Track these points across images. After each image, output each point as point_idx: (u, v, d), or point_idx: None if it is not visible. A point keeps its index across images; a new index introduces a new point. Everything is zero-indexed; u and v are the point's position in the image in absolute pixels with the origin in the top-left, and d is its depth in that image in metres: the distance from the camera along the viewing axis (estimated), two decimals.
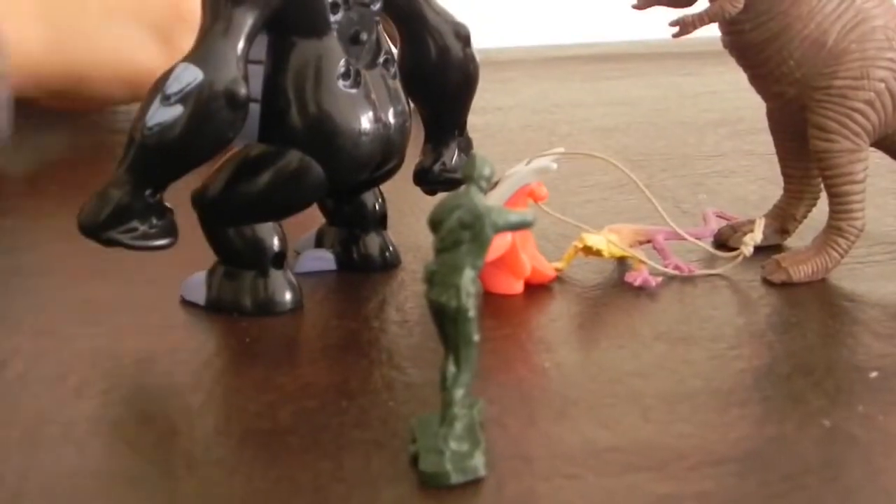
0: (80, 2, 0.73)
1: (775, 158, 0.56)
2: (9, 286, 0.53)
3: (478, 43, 0.53)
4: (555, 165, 0.50)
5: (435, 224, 0.37)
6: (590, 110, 0.83)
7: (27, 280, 0.54)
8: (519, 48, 1.04)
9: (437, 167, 0.55)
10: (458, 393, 0.37)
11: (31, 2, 0.72)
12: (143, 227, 0.47)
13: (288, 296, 0.49)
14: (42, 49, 0.71)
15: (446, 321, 0.36)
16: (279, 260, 0.49)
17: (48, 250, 0.57)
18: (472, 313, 0.36)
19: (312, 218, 0.53)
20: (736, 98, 0.81)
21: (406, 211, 0.59)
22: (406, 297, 0.51)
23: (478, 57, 0.53)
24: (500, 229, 0.36)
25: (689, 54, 0.96)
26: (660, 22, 0.54)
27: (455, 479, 0.36)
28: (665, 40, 0.54)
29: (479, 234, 0.36)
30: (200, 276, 0.50)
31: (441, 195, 0.53)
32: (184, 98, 0.45)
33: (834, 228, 0.52)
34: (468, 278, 0.36)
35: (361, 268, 0.53)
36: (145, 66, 0.70)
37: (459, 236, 0.36)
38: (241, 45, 0.46)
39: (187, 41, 0.47)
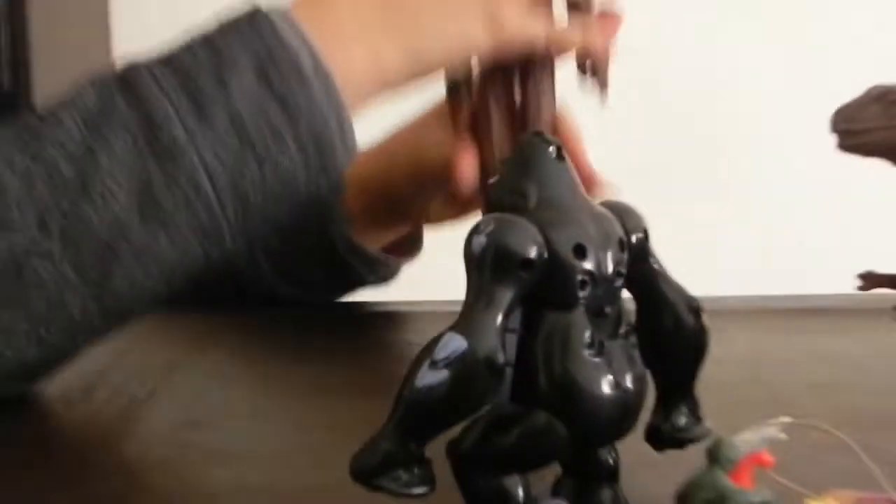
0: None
1: None
2: None
3: (693, 290, 0.58)
4: (784, 436, 0.54)
5: (682, 502, 0.41)
6: (800, 365, 0.86)
7: None
8: (731, 297, 1.08)
9: (667, 427, 0.59)
10: None
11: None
12: (405, 476, 0.52)
13: None
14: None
15: None
16: None
17: None
18: None
19: (550, 467, 0.58)
20: None
21: (637, 463, 0.63)
22: None
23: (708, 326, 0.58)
24: None
25: None
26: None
27: None
28: (877, 295, 0.56)
29: None
30: None
31: (671, 452, 0.57)
32: (450, 364, 0.51)
33: None
34: None
35: None
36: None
37: None
38: (500, 318, 0.52)
39: None
